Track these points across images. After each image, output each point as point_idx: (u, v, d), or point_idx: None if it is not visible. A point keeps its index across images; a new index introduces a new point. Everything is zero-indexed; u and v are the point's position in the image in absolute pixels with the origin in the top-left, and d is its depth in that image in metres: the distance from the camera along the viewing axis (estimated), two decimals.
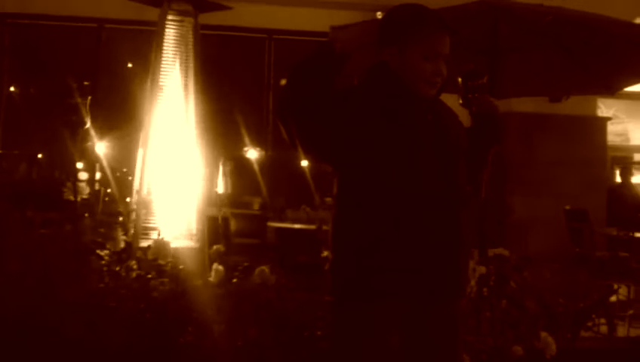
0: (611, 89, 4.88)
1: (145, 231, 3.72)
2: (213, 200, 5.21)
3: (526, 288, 3.64)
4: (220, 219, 4.92)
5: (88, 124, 2.97)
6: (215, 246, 3.42)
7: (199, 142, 4.06)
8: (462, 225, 1.87)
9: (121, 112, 4.92)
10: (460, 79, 2.54)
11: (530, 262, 3.75)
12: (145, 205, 3.49)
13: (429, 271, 1.81)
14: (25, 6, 6.60)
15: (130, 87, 4.76)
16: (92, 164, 4.10)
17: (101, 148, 5.33)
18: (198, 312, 2.76)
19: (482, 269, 3.05)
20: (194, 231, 3.98)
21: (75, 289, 2.57)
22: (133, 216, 3.54)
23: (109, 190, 4.20)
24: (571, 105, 6.74)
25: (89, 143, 5.37)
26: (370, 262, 1.80)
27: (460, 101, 2.51)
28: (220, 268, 3.16)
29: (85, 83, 2.88)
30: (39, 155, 5.15)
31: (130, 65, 6.75)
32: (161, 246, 3.03)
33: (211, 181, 6.67)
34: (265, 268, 2.96)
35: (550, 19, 4.14)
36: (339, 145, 1.83)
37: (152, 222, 3.77)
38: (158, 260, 2.93)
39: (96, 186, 3.56)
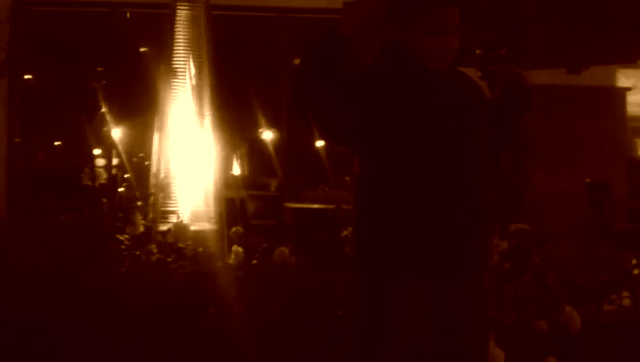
0: (633, 57, 4.79)
1: (164, 215, 3.73)
2: (229, 182, 5.21)
3: (549, 262, 3.61)
4: (237, 200, 4.92)
5: (104, 109, 2.96)
6: (234, 228, 3.41)
7: (214, 125, 4.04)
8: (484, 199, 1.84)
9: (137, 97, 4.92)
10: (478, 52, 2.51)
11: (552, 237, 3.71)
12: (162, 189, 3.48)
13: (453, 245, 1.80)
14: None
15: (146, 71, 4.75)
16: (109, 149, 4.10)
17: (118, 133, 5.34)
18: (219, 294, 2.77)
19: (504, 244, 3.01)
20: (212, 214, 3.98)
21: (95, 276, 2.57)
22: (152, 200, 3.54)
23: (126, 175, 4.21)
24: (590, 77, 6.62)
25: (106, 129, 5.39)
26: (393, 238, 1.79)
27: (480, 74, 2.47)
28: (240, 249, 3.16)
29: (99, 69, 2.86)
30: (56, 143, 5.17)
31: (145, 49, 6.74)
32: (180, 230, 3.03)
33: (227, 163, 6.69)
34: (284, 249, 2.95)
35: None
36: (356, 127, 1.82)
37: (170, 205, 3.78)
38: (178, 243, 2.94)
39: (114, 171, 3.56)
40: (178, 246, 2.97)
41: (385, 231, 1.80)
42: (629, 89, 7.40)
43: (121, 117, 5.32)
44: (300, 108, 1.84)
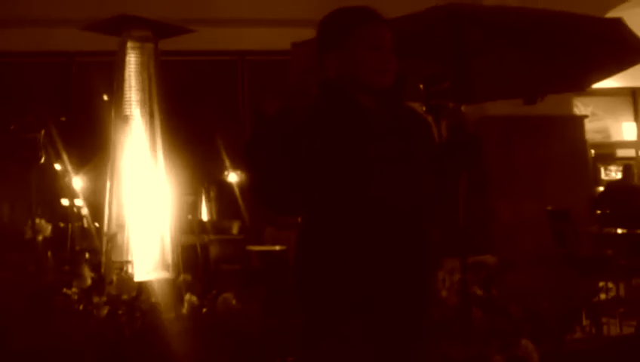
0: (582, 86, 4.86)
1: (117, 266, 3.63)
2: (190, 227, 5.12)
3: (509, 294, 3.58)
4: (198, 246, 4.82)
5: (43, 160, 2.89)
6: (182, 277, 3.33)
7: (168, 171, 3.99)
8: (424, 236, 1.81)
9: (93, 145, 4.86)
10: (421, 86, 2.50)
11: (512, 267, 3.68)
12: (110, 239, 3.40)
13: (392, 284, 1.76)
14: None
15: (100, 118, 4.70)
16: (53, 200, 4.01)
17: (77, 182, 5.26)
18: (168, 349, 2.67)
19: (455, 277, 2.98)
20: (169, 262, 3.90)
21: (37, 334, 2.46)
22: (103, 250, 3.45)
23: (81, 223, 4.11)
24: (547, 106, 6.69)
25: (65, 178, 5.30)
26: (332, 277, 1.75)
27: (424, 108, 2.46)
28: (193, 298, 3.08)
29: (46, 119, 2.80)
30: None
31: (105, 96, 6.69)
32: (123, 281, 2.94)
33: (194, 208, 6.59)
34: (228, 296, 2.87)
35: (513, 20, 4.12)
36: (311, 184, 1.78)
37: (123, 255, 3.69)
38: (123, 295, 2.85)
39: (61, 224, 3.46)
40: (125, 298, 2.88)
41: (324, 269, 1.76)
42: (586, 116, 7.52)
43: (73, 165, 5.24)
44: (268, 198, 1.81)
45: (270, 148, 1.75)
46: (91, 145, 5.05)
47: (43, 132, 2.85)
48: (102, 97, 6.08)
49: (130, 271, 3.42)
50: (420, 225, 1.82)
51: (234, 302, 2.84)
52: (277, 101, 1.81)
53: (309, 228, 1.81)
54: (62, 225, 4.18)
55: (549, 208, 5.69)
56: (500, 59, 4.59)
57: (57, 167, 5.11)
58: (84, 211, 4.48)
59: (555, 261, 5.28)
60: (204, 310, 2.93)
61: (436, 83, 2.41)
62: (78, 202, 4.88)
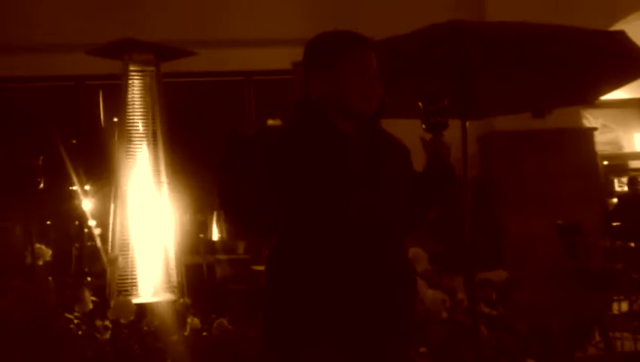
0: (589, 99, 4.81)
1: (123, 288, 3.63)
2: (197, 247, 5.12)
3: (517, 310, 3.53)
4: (204, 267, 4.82)
5: (42, 185, 2.90)
6: (180, 300, 3.32)
7: (173, 192, 3.99)
8: (397, 267, 1.77)
9: (102, 167, 4.90)
10: (420, 104, 2.48)
11: (519, 285, 3.63)
12: (112, 263, 3.39)
13: (364, 306, 1.71)
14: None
15: (106, 142, 4.74)
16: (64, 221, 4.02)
17: (87, 204, 5.29)
18: None
19: (458, 296, 2.93)
20: (174, 283, 3.89)
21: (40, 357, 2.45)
22: (108, 273, 3.45)
23: (93, 243, 4.11)
24: (556, 119, 6.68)
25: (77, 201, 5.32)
26: (300, 302, 1.71)
27: (423, 126, 2.44)
28: (195, 321, 3.06)
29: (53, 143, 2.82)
30: None
31: (115, 119, 6.74)
32: (122, 305, 2.93)
33: (204, 228, 6.59)
34: (223, 320, 2.85)
35: (516, 35, 4.10)
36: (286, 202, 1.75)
37: (127, 278, 3.68)
38: (120, 319, 2.83)
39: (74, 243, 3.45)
40: (123, 321, 2.86)
41: (292, 294, 1.72)
42: (595, 129, 7.46)
43: (82, 187, 5.27)
44: (236, 216, 1.78)
45: (242, 167, 1.73)
46: (100, 167, 5.09)
47: (42, 158, 2.87)
48: (110, 120, 6.13)
49: (133, 293, 3.41)
50: (394, 248, 1.78)
51: (229, 326, 2.82)
52: (255, 123, 1.80)
53: (279, 250, 1.78)
54: (76, 245, 4.18)
55: (560, 222, 5.63)
56: (504, 74, 4.55)
57: (72, 188, 5.15)
58: (96, 232, 4.49)
59: (566, 276, 5.21)
60: (204, 334, 2.91)
61: (435, 101, 2.40)
62: (91, 223, 4.90)
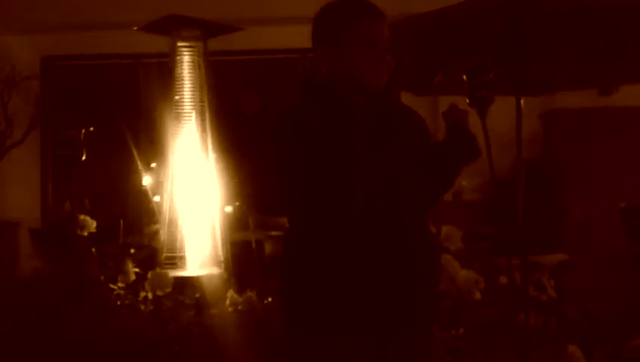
0: None
1: (171, 261, 3.71)
2: (246, 223, 5.16)
3: (567, 296, 3.39)
4: (253, 243, 4.85)
5: (84, 157, 2.96)
6: (226, 273, 3.35)
7: (219, 169, 4.02)
8: (415, 246, 1.69)
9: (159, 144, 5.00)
10: (464, 77, 2.38)
11: (572, 268, 3.49)
12: (157, 235, 3.46)
13: (379, 298, 1.64)
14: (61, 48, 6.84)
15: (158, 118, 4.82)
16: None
17: (147, 179, 5.41)
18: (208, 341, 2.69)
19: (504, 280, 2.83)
20: (221, 258, 3.94)
21: (72, 329, 2.52)
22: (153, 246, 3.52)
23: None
24: (624, 97, 6.37)
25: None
26: (317, 289, 1.66)
27: (467, 100, 2.34)
28: (235, 295, 3.08)
29: (90, 128, 2.89)
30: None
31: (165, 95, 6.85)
32: (158, 278, 2.98)
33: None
34: (251, 294, 2.86)
35: (578, 6, 3.90)
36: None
37: (178, 251, 3.76)
38: (157, 292, 2.88)
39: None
40: (160, 293, 2.91)
41: (308, 280, 1.67)
42: None
43: (147, 163, 5.39)
44: (249, 196, 1.76)
45: (251, 147, 1.70)
46: (153, 142, 5.19)
47: (83, 131, 2.92)
48: (164, 96, 6.23)
49: (179, 266, 3.47)
50: (412, 221, 1.71)
51: (255, 300, 2.83)
52: (257, 100, 1.76)
53: (295, 233, 1.73)
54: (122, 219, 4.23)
55: (622, 205, 5.40)
56: (566, 47, 4.35)
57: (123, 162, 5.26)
58: (148, 204, 4.58)
59: (627, 261, 5.00)
60: (239, 307, 2.93)
61: (480, 74, 2.30)
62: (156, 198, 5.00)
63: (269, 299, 2.88)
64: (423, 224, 1.74)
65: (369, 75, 1.73)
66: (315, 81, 1.79)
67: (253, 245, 4.88)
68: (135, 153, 5.66)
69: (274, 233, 5.62)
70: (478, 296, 2.67)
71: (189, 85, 4.00)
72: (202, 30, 3.89)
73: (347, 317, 1.65)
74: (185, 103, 4.02)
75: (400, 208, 1.69)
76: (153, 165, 5.58)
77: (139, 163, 5.40)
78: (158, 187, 4.81)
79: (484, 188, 6.23)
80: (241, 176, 1.71)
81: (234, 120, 1.70)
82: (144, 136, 6.34)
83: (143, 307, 3.10)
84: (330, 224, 1.66)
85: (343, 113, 1.73)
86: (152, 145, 5.80)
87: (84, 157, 2.94)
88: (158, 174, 4.96)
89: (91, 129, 2.90)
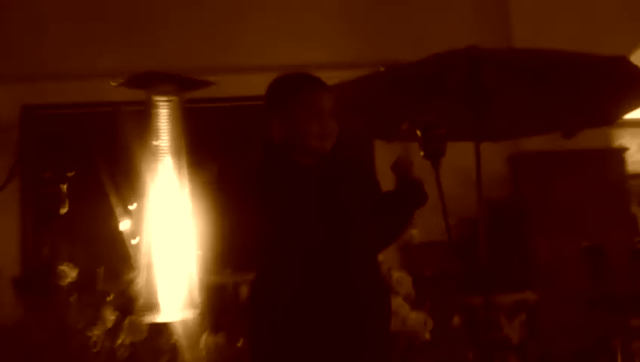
0: (608, 120, 4.82)
1: (144, 307, 3.78)
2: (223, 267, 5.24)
3: (528, 334, 3.55)
4: (230, 286, 4.94)
5: (65, 210, 3.08)
6: (200, 317, 3.44)
7: (194, 213, 4.14)
8: (368, 289, 1.86)
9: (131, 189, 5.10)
10: (418, 132, 2.57)
11: (529, 307, 3.66)
12: (133, 281, 3.56)
13: (336, 340, 1.80)
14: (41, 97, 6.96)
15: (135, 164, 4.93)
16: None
17: (124, 225, 5.48)
18: None
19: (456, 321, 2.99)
20: (196, 302, 4.02)
21: None
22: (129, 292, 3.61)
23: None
24: (587, 139, 6.61)
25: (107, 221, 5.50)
26: (278, 332, 1.81)
27: (422, 153, 2.53)
28: (210, 339, 3.18)
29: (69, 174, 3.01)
30: None
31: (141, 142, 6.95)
32: (133, 325, 3.07)
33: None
34: (219, 338, 2.96)
35: (530, 58, 4.17)
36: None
37: (151, 297, 3.83)
38: (133, 338, 2.98)
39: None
40: (134, 341, 3.00)
41: (270, 323, 1.82)
42: (627, 149, 7.36)
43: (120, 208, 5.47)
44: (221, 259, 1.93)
45: (217, 210, 1.86)
46: (130, 187, 5.29)
47: (65, 186, 3.05)
48: (140, 143, 6.36)
49: (153, 312, 3.55)
50: (367, 267, 1.88)
51: (221, 342, 2.93)
52: (215, 166, 1.94)
53: (259, 281, 1.89)
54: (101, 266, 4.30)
55: (584, 244, 5.59)
56: (521, 96, 4.62)
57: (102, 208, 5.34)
58: (123, 250, 4.65)
59: (589, 299, 5.17)
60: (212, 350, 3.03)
61: (432, 129, 2.49)
62: (134, 241, 5.07)
63: (240, 342, 2.99)
64: (374, 269, 1.91)
65: (315, 142, 1.93)
66: (272, 145, 1.97)
67: (230, 288, 4.96)
68: (113, 198, 5.76)
69: (251, 275, 5.72)
70: (427, 336, 2.82)
71: (166, 133, 4.16)
72: (178, 85, 4.07)
73: (310, 355, 1.79)
74: (162, 149, 4.17)
75: (351, 257, 1.86)
76: (132, 207, 5.67)
77: (117, 207, 5.49)
78: (136, 231, 4.92)
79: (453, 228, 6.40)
80: (213, 236, 1.87)
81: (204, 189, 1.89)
82: (122, 181, 6.44)
83: (119, 353, 3.19)
84: (288, 273, 1.82)
85: (295, 174, 1.91)
86: (130, 188, 5.91)
87: (65, 210, 3.05)
88: (136, 218, 5.07)
89: (70, 174, 3.00)
